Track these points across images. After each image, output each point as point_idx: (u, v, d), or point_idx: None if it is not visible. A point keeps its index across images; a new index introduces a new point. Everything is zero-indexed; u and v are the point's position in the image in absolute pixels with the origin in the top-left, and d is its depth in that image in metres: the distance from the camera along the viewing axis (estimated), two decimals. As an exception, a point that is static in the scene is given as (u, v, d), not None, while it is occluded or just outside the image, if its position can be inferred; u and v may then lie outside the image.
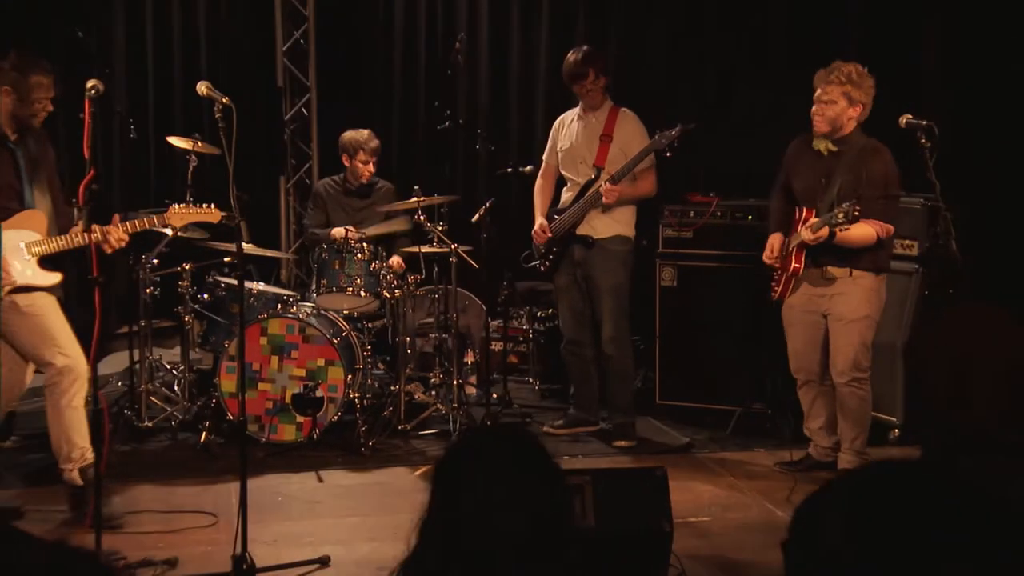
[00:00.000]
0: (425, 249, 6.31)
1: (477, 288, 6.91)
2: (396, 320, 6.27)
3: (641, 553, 3.90)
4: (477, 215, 6.28)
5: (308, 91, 8.04)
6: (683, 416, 6.46)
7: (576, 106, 6.18)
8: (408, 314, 6.31)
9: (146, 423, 6.00)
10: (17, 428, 5.79)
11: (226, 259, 6.31)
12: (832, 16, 7.07)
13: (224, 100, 4.28)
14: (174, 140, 6.19)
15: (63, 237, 4.66)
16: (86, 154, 4.10)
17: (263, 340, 5.87)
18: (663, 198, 6.41)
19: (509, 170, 6.62)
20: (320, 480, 5.41)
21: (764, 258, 5.40)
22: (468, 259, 6.39)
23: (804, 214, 5.20)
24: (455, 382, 6.31)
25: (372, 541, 4.53)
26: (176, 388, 6.33)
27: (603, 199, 5.85)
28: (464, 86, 7.65)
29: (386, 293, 6.15)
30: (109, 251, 4.62)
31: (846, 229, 4.89)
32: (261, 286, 6.37)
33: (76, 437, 4.66)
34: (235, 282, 5.92)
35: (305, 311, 6.05)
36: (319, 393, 5.85)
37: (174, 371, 6.48)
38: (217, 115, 4.23)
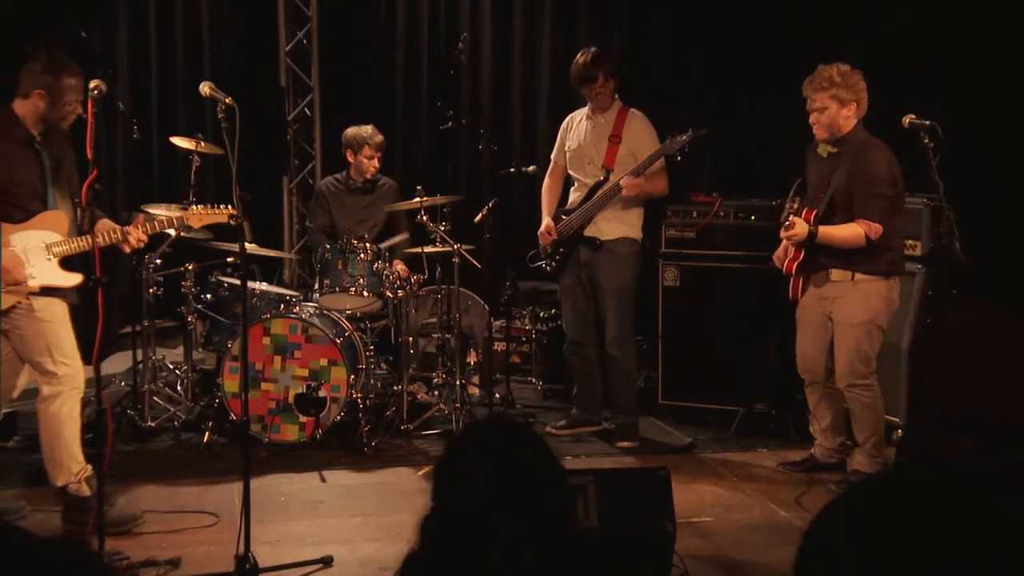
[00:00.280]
0: (428, 249, 6.31)
1: (480, 288, 6.91)
2: (399, 320, 6.28)
3: (644, 553, 3.90)
4: (480, 215, 6.28)
5: (311, 91, 8.04)
6: (686, 416, 6.46)
7: (583, 105, 6.19)
8: (411, 314, 6.31)
9: (149, 423, 6.00)
10: (19, 429, 5.80)
11: (229, 259, 6.31)
12: (833, 16, 7.06)
13: (227, 100, 4.28)
14: (177, 140, 6.20)
15: (84, 238, 4.67)
16: (89, 154, 4.10)
17: (266, 340, 5.87)
18: (665, 198, 6.41)
19: (512, 170, 6.62)
20: (323, 480, 5.41)
21: (774, 257, 5.42)
22: (471, 259, 6.39)
23: (805, 215, 5.21)
24: (458, 382, 6.32)
25: (375, 541, 4.53)
26: (179, 388, 6.33)
27: (623, 192, 5.84)
28: (467, 86, 7.65)
29: (389, 293, 6.15)
30: (128, 251, 4.72)
31: (813, 229, 4.97)
32: (264, 286, 6.38)
33: (76, 450, 4.60)
34: (238, 282, 5.92)
35: (308, 311, 6.05)
36: (322, 393, 5.85)
37: (177, 371, 6.48)
38: (220, 115, 4.23)
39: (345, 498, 5.18)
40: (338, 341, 5.87)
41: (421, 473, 5.46)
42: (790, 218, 5.12)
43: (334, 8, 8.00)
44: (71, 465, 4.58)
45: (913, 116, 4.93)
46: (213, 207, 4.96)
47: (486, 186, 7.42)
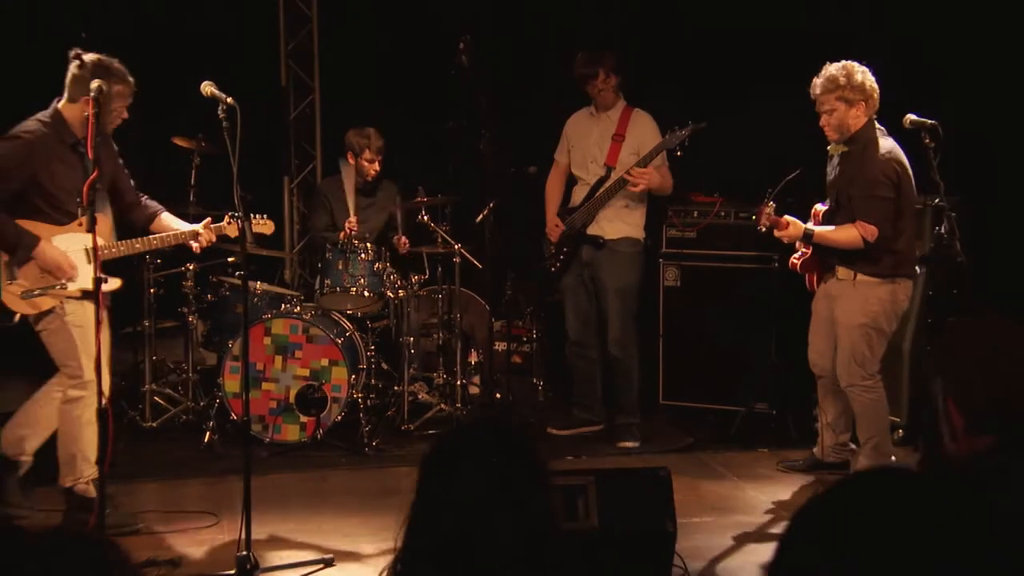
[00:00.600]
0: (428, 249, 6.31)
1: (480, 288, 6.91)
2: (399, 320, 6.28)
3: (644, 553, 3.90)
4: (481, 215, 6.28)
5: (312, 92, 8.04)
6: (686, 416, 6.46)
7: (587, 105, 6.19)
8: (411, 314, 6.31)
9: (150, 423, 6.00)
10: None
11: (230, 259, 6.31)
12: (833, 16, 7.05)
13: (228, 100, 4.29)
14: (178, 140, 6.20)
15: (128, 243, 4.73)
16: (90, 154, 4.11)
17: (267, 340, 5.88)
18: (666, 198, 6.41)
19: (513, 171, 6.62)
20: (324, 480, 5.41)
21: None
22: (472, 259, 6.39)
23: (813, 213, 5.21)
24: (458, 382, 6.32)
25: (375, 541, 4.52)
26: (180, 388, 6.34)
27: (629, 185, 5.84)
28: (468, 86, 7.64)
29: (389, 293, 6.16)
30: (198, 250, 4.89)
31: (810, 232, 5.01)
32: (265, 286, 6.38)
33: (91, 453, 4.57)
34: (239, 282, 5.93)
35: (309, 311, 6.06)
36: (323, 393, 5.85)
37: (178, 371, 6.49)
38: (221, 115, 4.24)
39: (346, 498, 5.18)
40: (339, 341, 5.87)
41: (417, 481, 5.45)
42: (783, 219, 5.12)
43: (335, 8, 7.99)
44: (84, 468, 4.59)
45: (914, 115, 4.93)
46: (253, 217, 5.11)
47: (487, 187, 7.40)
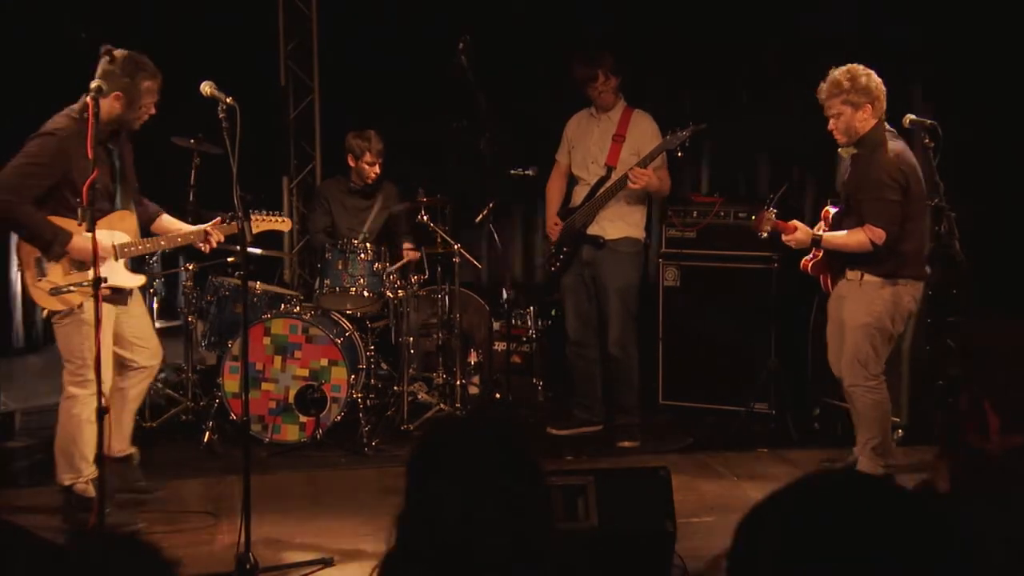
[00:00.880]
0: (428, 249, 6.31)
1: (480, 288, 6.91)
2: (399, 320, 6.28)
3: (644, 553, 3.90)
4: (480, 216, 6.28)
5: (311, 91, 8.04)
6: (686, 416, 6.46)
7: (588, 106, 6.19)
8: (411, 314, 6.31)
9: (150, 423, 6.00)
10: (21, 429, 5.80)
11: (229, 259, 6.31)
12: (833, 16, 7.05)
13: (228, 100, 4.29)
14: (178, 140, 6.20)
15: (154, 240, 4.77)
16: (89, 154, 4.11)
17: (266, 340, 5.88)
18: (666, 198, 6.41)
19: (512, 172, 6.61)
20: (323, 480, 5.40)
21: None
22: (471, 259, 6.39)
23: (823, 214, 5.20)
24: (458, 382, 6.32)
25: (374, 541, 4.52)
26: (179, 388, 6.34)
27: (630, 182, 5.84)
28: (468, 87, 7.64)
29: (389, 293, 6.16)
30: (207, 251, 4.91)
31: (817, 237, 4.99)
32: (264, 286, 6.38)
33: (89, 452, 4.60)
34: (238, 282, 5.93)
35: (308, 311, 6.06)
36: (322, 393, 5.85)
37: (177, 371, 6.49)
38: (221, 115, 4.24)
39: (345, 498, 5.17)
40: (338, 341, 5.87)
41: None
42: (788, 224, 5.12)
43: (334, 8, 7.99)
44: (82, 467, 4.60)
45: (913, 116, 4.93)
46: (270, 214, 5.14)
47: (487, 187, 7.41)
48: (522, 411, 6.59)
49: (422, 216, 6.26)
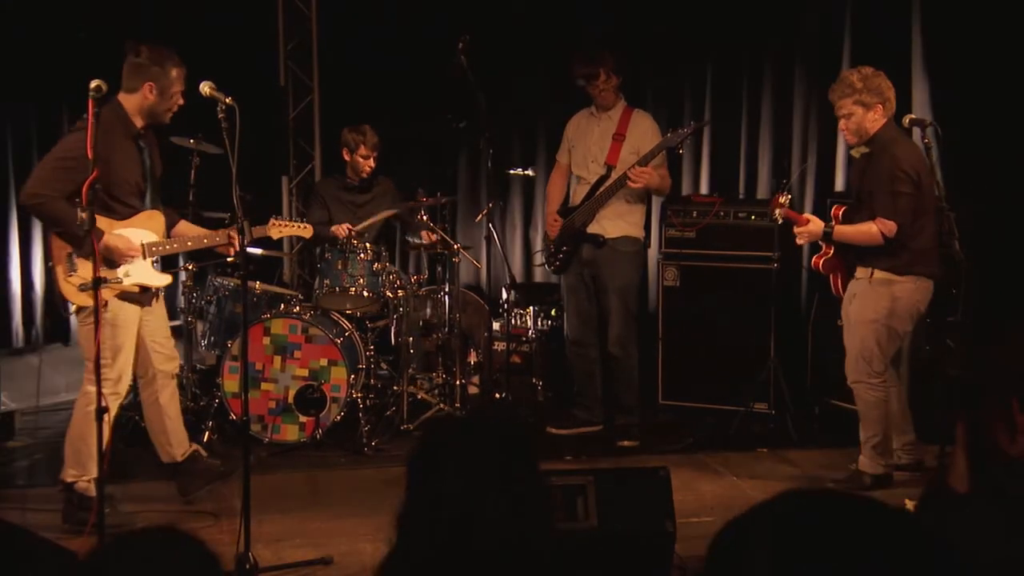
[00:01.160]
0: (428, 249, 6.31)
1: (479, 288, 6.91)
2: (399, 320, 6.28)
3: (643, 553, 3.90)
4: (480, 215, 6.28)
5: (310, 91, 8.04)
6: (686, 416, 6.46)
7: (587, 106, 6.19)
8: (410, 314, 6.31)
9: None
10: (21, 429, 5.80)
11: (228, 259, 6.30)
12: (833, 17, 7.05)
13: (227, 100, 4.29)
14: (177, 140, 6.19)
15: (180, 239, 4.79)
16: (90, 154, 4.10)
17: (266, 340, 5.88)
18: (665, 198, 6.41)
19: (512, 172, 6.62)
20: (323, 480, 5.40)
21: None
22: (471, 259, 6.39)
23: (834, 211, 5.20)
24: (458, 382, 6.32)
25: (374, 541, 4.51)
26: (179, 388, 6.32)
27: (630, 181, 5.84)
28: (468, 87, 7.64)
29: (389, 293, 6.15)
30: (232, 253, 4.95)
31: (829, 228, 4.96)
32: (264, 286, 6.37)
33: (86, 450, 4.62)
34: (238, 282, 5.93)
35: (308, 311, 6.05)
36: (322, 393, 5.85)
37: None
38: (220, 115, 4.24)
39: (345, 498, 5.17)
40: (338, 341, 5.87)
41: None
42: (801, 216, 5.10)
43: (334, 8, 7.99)
44: (89, 466, 4.59)
45: (913, 115, 4.93)
46: (295, 221, 5.22)
47: (486, 187, 7.42)
48: (522, 411, 6.59)
49: (422, 216, 6.26)
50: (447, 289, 6.42)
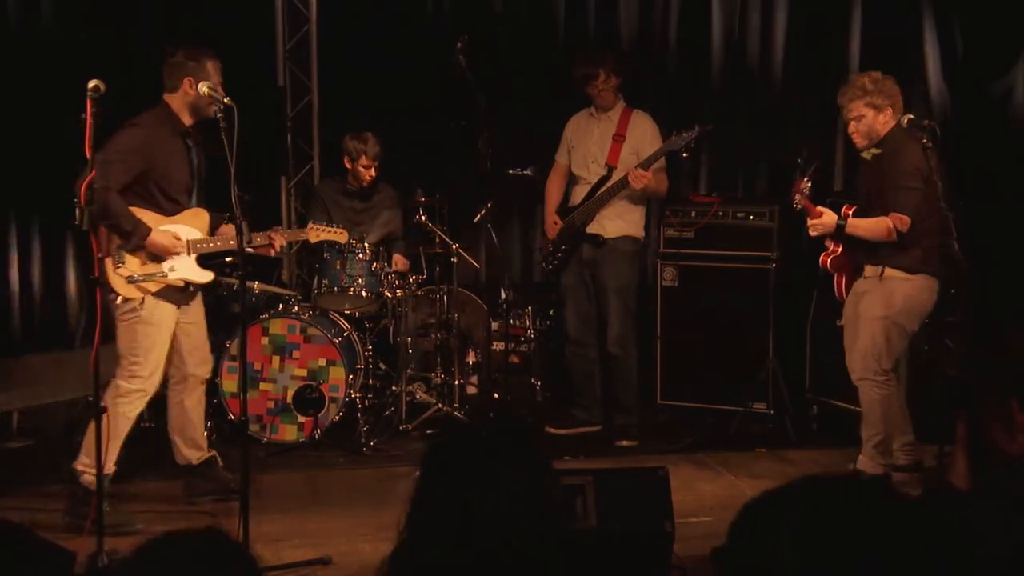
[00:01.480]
0: (426, 249, 6.31)
1: (478, 288, 6.91)
2: (397, 320, 6.28)
3: (642, 553, 3.90)
4: (478, 216, 6.28)
5: (309, 92, 8.04)
6: (685, 416, 6.46)
7: (588, 106, 6.19)
8: (409, 314, 6.31)
9: (148, 423, 5.98)
10: (21, 428, 5.80)
11: (227, 259, 6.30)
12: (832, 17, 7.06)
13: (226, 100, 4.29)
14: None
15: (223, 238, 4.85)
16: (88, 154, 4.10)
17: (264, 340, 5.88)
18: (664, 198, 6.41)
19: (512, 172, 6.61)
20: (321, 480, 5.40)
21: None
22: (469, 259, 6.39)
23: (844, 210, 5.20)
24: (456, 382, 6.32)
25: (373, 541, 4.52)
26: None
27: (631, 183, 5.84)
28: (467, 87, 7.63)
29: (387, 293, 6.16)
30: (273, 254, 5.13)
31: (842, 222, 4.94)
32: (263, 286, 6.37)
33: (114, 448, 4.67)
34: (236, 282, 5.92)
35: (306, 311, 6.05)
36: (320, 393, 5.85)
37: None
38: (219, 115, 4.24)
39: (343, 498, 5.18)
40: (336, 341, 5.87)
41: (420, 473, 5.45)
42: (816, 208, 5.08)
43: (333, 8, 7.99)
44: (106, 464, 4.59)
45: (911, 116, 4.93)
46: (329, 226, 5.41)
47: (485, 187, 7.40)
48: (521, 411, 6.59)
49: (420, 216, 6.26)
50: (446, 289, 6.42)
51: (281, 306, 6.13)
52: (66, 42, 6.75)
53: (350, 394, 5.86)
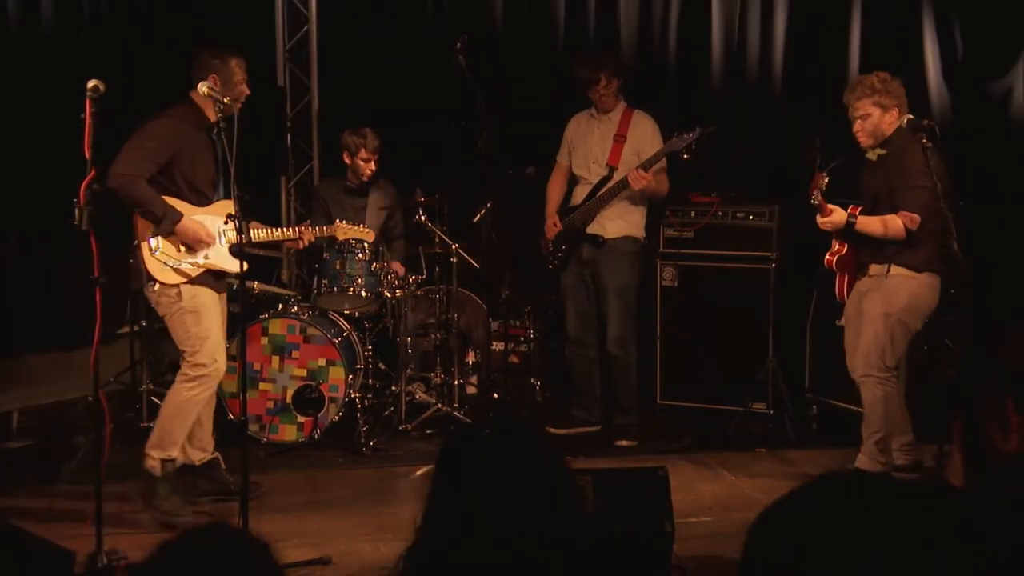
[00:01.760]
0: (426, 249, 6.31)
1: (478, 288, 6.91)
2: (397, 320, 6.27)
3: (642, 553, 3.90)
4: (478, 216, 6.28)
5: (309, 92, 8.04)
6: (684, 416, 6.46)
7: (588, 107, 6.19)
8: (409, 314, 6.31)
9: (147, 423, 5.99)
10: (21, 429, 5.79)
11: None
12: (832, 18, 7.06)
13: (225, 100, 4.29)
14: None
15: (251, 231, 4.94)
16: (87, 154, 4.11)
17: (264, 340, 5.88)
18: (664, 198, 6.40)
19: (511, 171, 6.61)
20: (321, 480, 5.40)
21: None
22: (469, 259, 6.39)
23: (851, 209, 5.20)
24: (456, 382, 6.32)
25: (372, 541, 4.53)
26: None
27: (631, 184, 5.84)
28: (467, 86, 7.63)
29: (387, 293, 6.15)
30: (300, 247, 5.29)
31: (852, 219, 4.94)
32: (262, 286, 6.37)
33: (181, 431, 4.78)
34: (236, 281, 5.92)
35: (306, 311, 6.05)
36: (320, 393, 5.85)
37: (174, 370, 6.46)
38: (218, 115, 4.24)
39: (343, 498, 5.17)
40: (336, 341, 5.87)
41: (419, 473, 5.46)
42: (828, 206, 5.07)
43: (333, 8, 7.99)
44: (170, 448, 4.76)
45: (911, 116, 4.94)
46: (354, 224, 5.57)
47: (485, 187, 7.40)
48: (521, 411, 6.59)
49: (420, 216, 6.26)
50: (445, 289, 6.42)
51: (281, 306, 6.13)
52: (66, 42, 6.74)
53: (350, 394, 5.87)
